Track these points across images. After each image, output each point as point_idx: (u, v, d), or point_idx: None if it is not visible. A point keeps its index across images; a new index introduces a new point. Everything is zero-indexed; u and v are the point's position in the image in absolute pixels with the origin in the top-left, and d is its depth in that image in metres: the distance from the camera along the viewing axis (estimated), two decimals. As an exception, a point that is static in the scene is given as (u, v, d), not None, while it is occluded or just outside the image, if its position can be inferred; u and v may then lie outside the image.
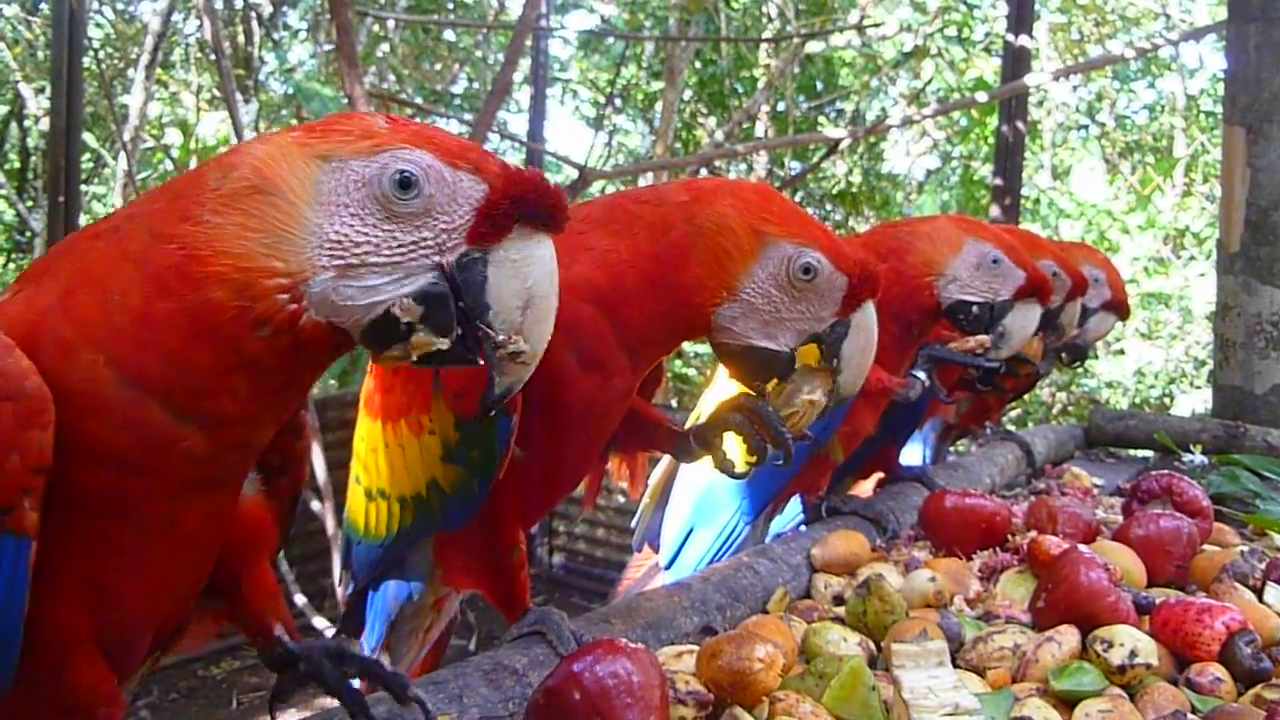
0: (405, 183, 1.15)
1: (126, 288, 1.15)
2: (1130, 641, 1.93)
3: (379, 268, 1.15)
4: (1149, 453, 4.52)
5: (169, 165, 12.56)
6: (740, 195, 1.85)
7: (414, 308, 1.17)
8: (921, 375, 2.80)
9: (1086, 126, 16.76)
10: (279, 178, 1.14)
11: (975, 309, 2.73)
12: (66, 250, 1.26)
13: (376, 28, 14.30)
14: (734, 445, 2.02)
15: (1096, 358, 12.47)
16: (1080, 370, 12.69)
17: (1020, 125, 7.89)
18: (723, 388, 2.73)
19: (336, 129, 1.18)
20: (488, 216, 1.16)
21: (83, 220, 12.59)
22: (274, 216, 1.13)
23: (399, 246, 1.15)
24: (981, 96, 8.50)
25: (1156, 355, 12.29)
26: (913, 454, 3.97)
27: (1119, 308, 4.00)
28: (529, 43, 8.71)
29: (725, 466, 2.03)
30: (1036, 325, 2.85)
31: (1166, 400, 12.07)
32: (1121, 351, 12.52)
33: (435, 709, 1.57)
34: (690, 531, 2.76)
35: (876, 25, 12.77)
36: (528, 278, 1.19)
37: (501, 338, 1.19)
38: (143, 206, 1.22)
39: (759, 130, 14.50)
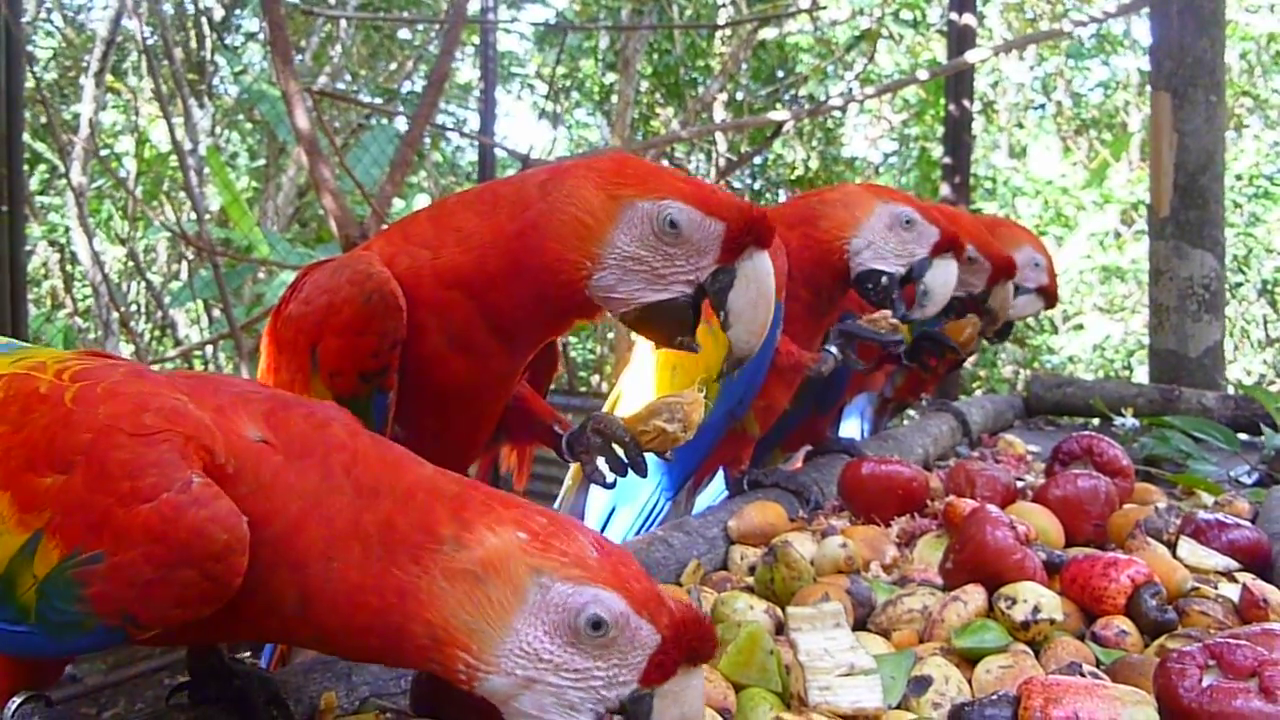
0: (596, 624, 1.25)
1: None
2: (1034, 598, 1.93)
3: (552, 690, 1.25)
4: (1092, 419, 4.56)
5: (123, 174, 12.43)
6: (594, 167, 1.79)
7: None
8: (834, 350, 2.79)
9: (1043, 105, 16.82)
10: (499, 576, 1.25)
11: (884, 279, 2.73)
12: None
13: (329, 27, 14.21)
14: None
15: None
16: (1042, 347, 12.83)
17: (967, 103, 7.91)
18: (639, 368, 2.74)
19: (556, 547, 1.28)
20: (659, 665, 1.26)
21: (36, 231, 12.55)
22: (485, 610, 1.25)
23: (574, 672, 1.25)
24: (923, 74, 8.50)
25: (1115, 329, 12.36)
26: (851, 428, 3.99)
27: (1049, 295, 4.03)
28: (476, 38, 8.67)
29: (594, 477, 2.03)
30: (955, 280, 2.86)
31: (1125, 372, 12.14)
32: (1080, 326, 12.59)
33: (320, 688, 1.57)
34: (613, 510, 2.77)
35: (823, 9, 12.77)
36: (685, 704, 1.29)
37: None
38: (369, 510, 1.31)
39: (716, 119, 14.48)
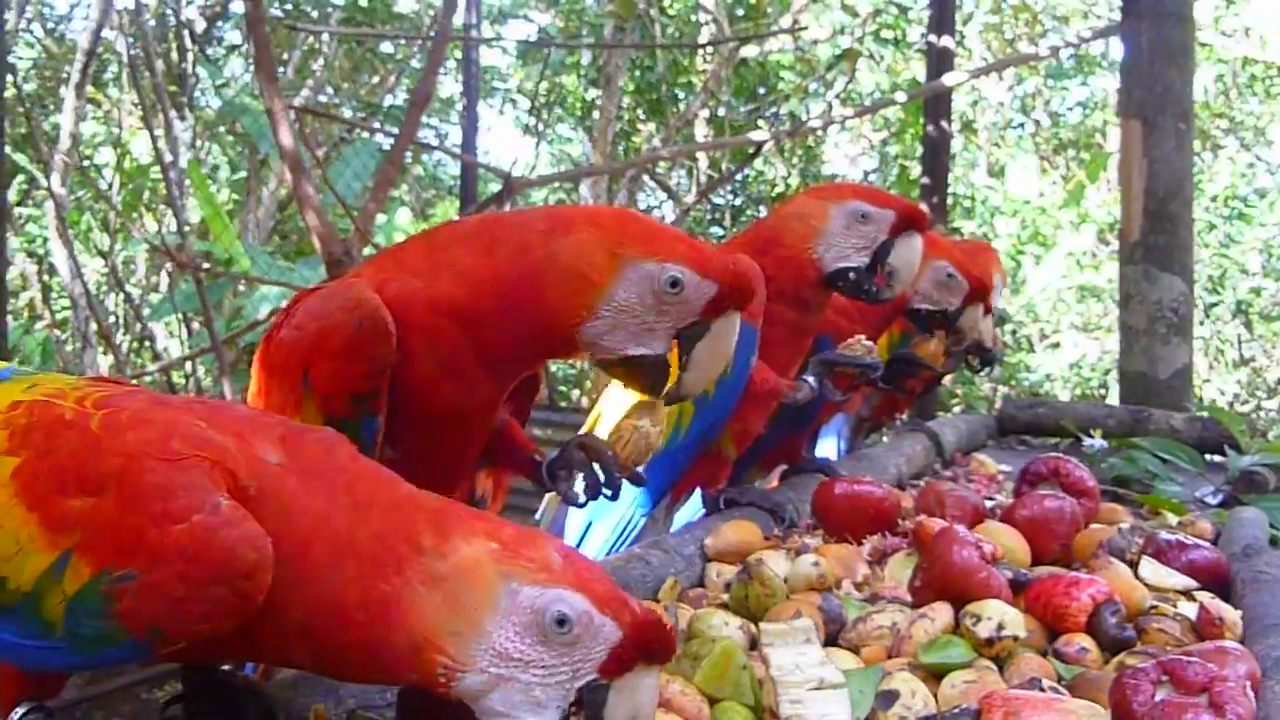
0: (561, 621, 1.33)
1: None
2: (998, 615, 1.99)
3: (521, 686, 1.34)
4: (1063, 439, 4.63)
5: (104, 185, 12.42)
6: (597, 222, 1.88)
7: None
8: (811, 380, 2.87)
9: (1022, 125, 16.97)
10: (472, 583, 1.34)
11: (852, 274, 2.82)
12: None
13: (312, 41, 14.24)
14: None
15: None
16: (1020, 365, 12.93)
17: (945, 124, 8.01)
18: (618, 388, 2.80)
19: (523, 554, 1.37)
20: (617, 659, 1.35)
21: (15, 242, 12.50)
22: (461, 614, 1.33)
23: (542, 668, 1.34)
24: (900, 96, 8.62)
25: (1091, 347, 12.47)
26: (828, 448, 4.05)
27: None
28: (459, 53, 8.72)
29: (567, 496, 2.11)
30: (920, 254, 2.92)
31: (1102, 391, 12.25)
32: (1057, 345, 12.70)
33: (309, 701, 1.62)
34: (589, 525, 2.83)
35: (804, 29, 12.88)
36: (639, 703, 1.38)
37: None
38: (364, 525, 1.39)
39: (698, 136, 14.57)
